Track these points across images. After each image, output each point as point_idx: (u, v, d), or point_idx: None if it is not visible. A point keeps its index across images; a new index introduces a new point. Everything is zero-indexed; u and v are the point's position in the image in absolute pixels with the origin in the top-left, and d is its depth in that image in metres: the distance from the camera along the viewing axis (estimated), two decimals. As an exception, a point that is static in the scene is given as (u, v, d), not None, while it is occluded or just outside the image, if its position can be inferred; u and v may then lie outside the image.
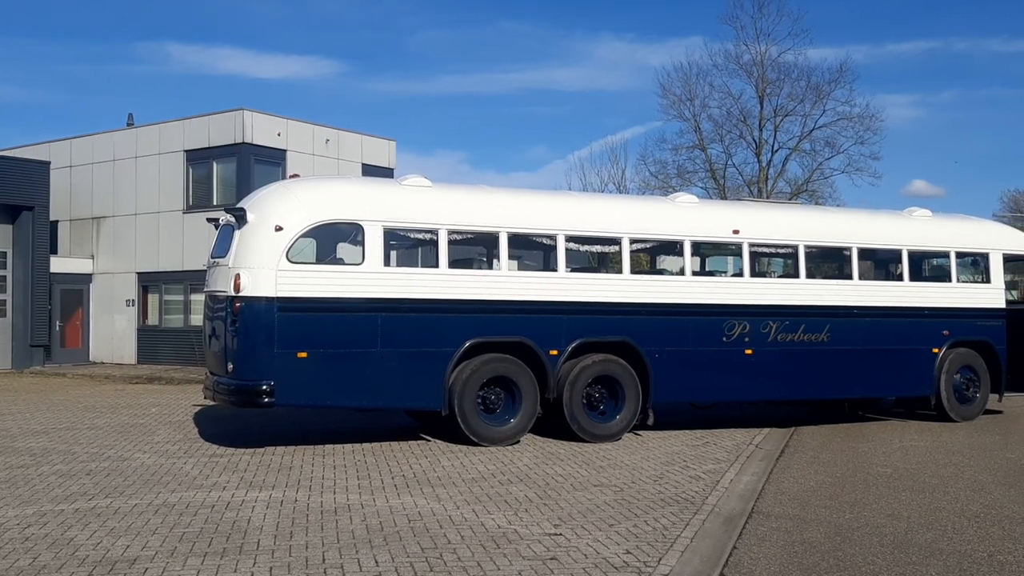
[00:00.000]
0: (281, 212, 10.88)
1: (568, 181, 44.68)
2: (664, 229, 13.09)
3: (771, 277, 14.65)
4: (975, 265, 15.55)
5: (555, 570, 6.42)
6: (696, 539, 7.35)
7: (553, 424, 12.09)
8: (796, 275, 13.64)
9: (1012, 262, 15.46)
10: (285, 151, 25.51)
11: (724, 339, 12.78)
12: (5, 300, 24.57)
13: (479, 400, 11.46)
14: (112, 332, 26.75)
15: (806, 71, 37.56)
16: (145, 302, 26.38)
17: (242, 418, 12.67)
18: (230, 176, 24.79)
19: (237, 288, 10.57)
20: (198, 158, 25.34)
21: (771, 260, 15.32)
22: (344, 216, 11.14)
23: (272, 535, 7.21)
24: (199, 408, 15.12)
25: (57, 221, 27.24)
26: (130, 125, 28.36)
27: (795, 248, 13.57)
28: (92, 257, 27.26)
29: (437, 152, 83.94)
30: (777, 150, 38.41)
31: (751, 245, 13.28)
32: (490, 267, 12.37)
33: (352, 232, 11.14)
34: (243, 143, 24.42)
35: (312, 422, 13.47)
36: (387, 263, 11.41)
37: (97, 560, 6.48)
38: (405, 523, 7.66)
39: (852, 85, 38.61)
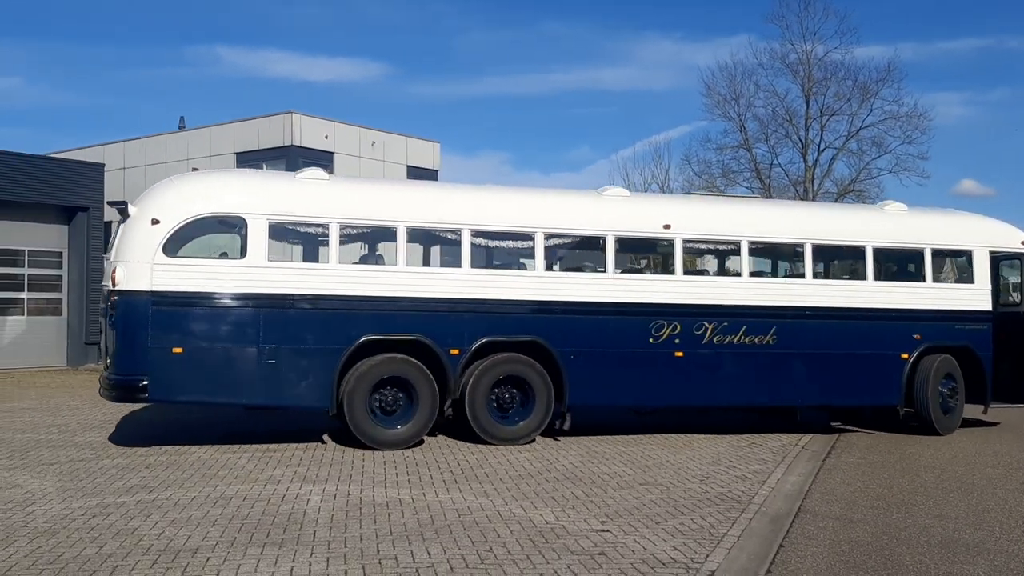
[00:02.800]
0: (159, 205, 10.73)
1: (612, 181, 44.62)
2: (585, 224, 12.27)
3: (709, 275, 13.68)
4: (957, 264, 14.65)
5: (603, 565, 6.54)
6: (743, 537, 7.43)
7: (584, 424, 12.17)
8: (738, 273, 12.83)
9: (1005, 261, 14.15)
10: (332, 153, 25.92)
11: (651, 340, 11.96)
12: (61, 299, 25.17)
13: (376, 400, 11.11)
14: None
15: (853, 70, 37.26)
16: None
17: (288, 417, 12.92)
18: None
19: (114, 282, 10.49)
20: (248, 160, 25.82)
21: (711, 257, 14.53)
22: (226, 210, 10.94)
23: (327, 527, 7.42)
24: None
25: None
26: (181, 128, 28.97)
27: (737, 244, 12.72)
28: (145, 257, 27.83)
29: (481, 153, 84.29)
30: (823, 150, 38.14)
31: (685, 241, 12.43)
32: (392, 263, 11.50)
33: (235, 225, 10.89)
34: (291, 145, 24.89)
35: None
36: (275, 257, 11.13)
37: (161, 549, 6.72)
38: (455, 517, 7.83)
39: (900, 84, 38.19)
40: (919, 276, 13.48)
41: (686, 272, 12.59)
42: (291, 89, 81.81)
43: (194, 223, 10.72)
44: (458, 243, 11.60)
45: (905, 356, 13.00)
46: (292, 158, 24.88)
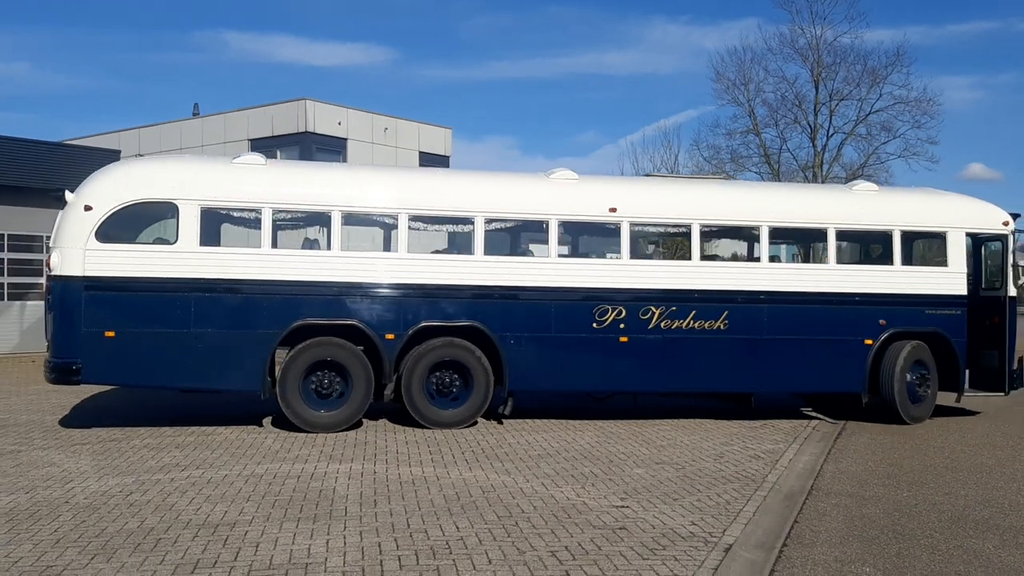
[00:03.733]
0: (93, 193, 10.91)
1: (620, 166, 44.89)
2: (527, 208, 12.16)
3: (659, 259, 13.46)
4: (929, 246, 13.96)
5: (625, 539, 6.81)
6: (758, 513, 7.68)
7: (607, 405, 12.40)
8: (689, 256, 12.42)
9: (988, 242, 13.50)
10: (346, 140, 26.15)
11: (594, 325, 11.82)
12: (79, 284, 25.48)
13: (312, 384, 11.24)
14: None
15: (862, 55, 37.26)
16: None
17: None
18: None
19: (50, 267, 10.78)
20: (262, 147, 26.02)
21: (661, 240, 14.17)
22: (158, 195, 11.04)
23: (357, 503, 7.70)
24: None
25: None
26: (196, 115, 29.20)
27: (688, 227, 12.38)
28: (160, 243, 28.18)
29: (487, 138, 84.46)
30: (832, 135, 38.16)
31: (632, 224, 12.15)
32: (327, 248, 11.57)
33: (167, 211, 11.04)
34: (305, 132, 25.12)
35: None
36: (208, 242, 11.15)
37: (200, 523, 7.01)
38: (479, 494, 8.10)
39: (909, 69, 38.21)
40: (887, 259, 12.97)
41: (634, 256, 12.35)
42: (300, 74, 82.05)
43: (126, 209, 10.90)
44: (395, 228, 11.62)
45: (869, 342, 12.57)
46: (306, 145, 25.13)
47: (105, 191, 10.94)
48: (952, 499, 8.45)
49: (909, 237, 13.18)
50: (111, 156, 26.67)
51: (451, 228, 12.23)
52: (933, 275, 13.03)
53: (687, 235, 12.51)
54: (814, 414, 13.54)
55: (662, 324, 11.99)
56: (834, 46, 37.25)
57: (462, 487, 8.36)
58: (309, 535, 6.73)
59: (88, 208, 10.73)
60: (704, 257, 12.56)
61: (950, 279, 12.92)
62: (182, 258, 10.91)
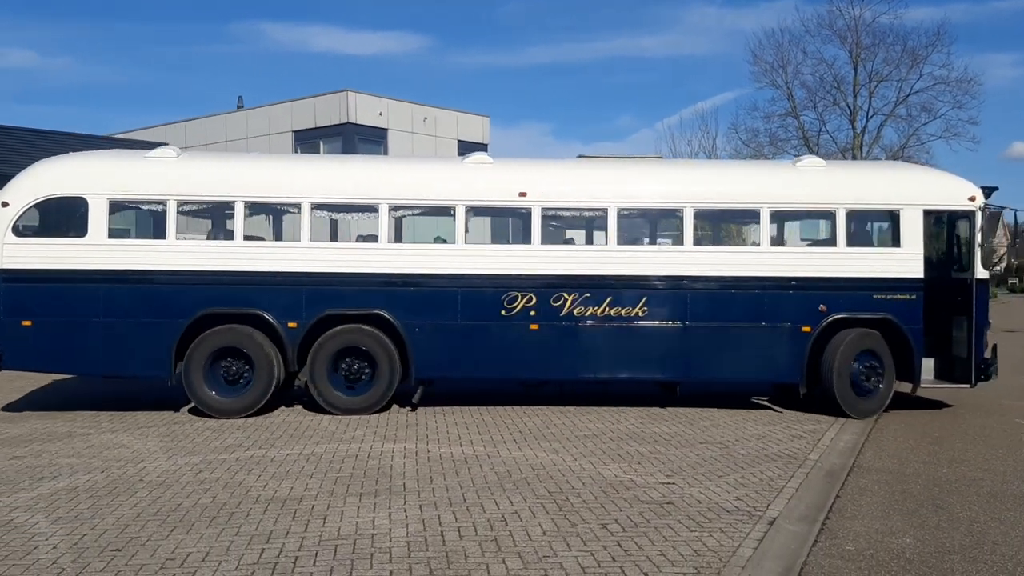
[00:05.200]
0: (12, 189, 11.48)
1: (657, 150, 44.75)
2: (434, 194, 12.02)
3: (573, 244, 13.01)
4: (880, 225, 12.89)
5: (672, 512, 7.11)
6: (801, 489, 7.94)
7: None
8: (606, 241, 11.99)
9: (957, 219, 12.40)
10: (386, 130, 26.56)
11: (503, 312, 11.62)
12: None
13: (220, 370, 11.51)
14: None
15: (902, 35, 37.02)
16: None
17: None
18: (336, 154, 25.92)
19: None
20: (305, 138, 26.57)
21: (577, 225, 13.77)
22: (69, 190, 11.49)
23: (415, 479, 8.08)
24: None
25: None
26: (240, 107, 29.76)
27: (604, 211, 11.92)
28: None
29: (524, 124, 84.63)
30: (872, 116, 37.95)
31: (544, 209, 11.84)
32: (232, 238, 11.76)
33: (79, 206, 11.45)
34: (347, 123, 25.56)
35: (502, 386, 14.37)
36: (117, 235, 11.63)
37: (268, 498, 7.43)
38: (530, 471, 8.45)
39: (950, 48, 37.91)
40: (830, 240, 12.18)
41: (546, 241, 12.02)
42: (338, 64, 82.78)
43: (41, 205, 11.47)
44: (298, 217, 11.75)
45: (807, 329, 11.81)
46: (348, 135, 25.58)
47: (21, 188, 11.50)
48: (991, 475, 8.64)
49: (856, 216, 12.20)
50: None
51: (356, 216, 12.26)
52: (883, 257, 12.05)
53: (603, 219, 12.05)
54: (767, 404, 12.74)
55: (575, 311, 11.71)
56: (873, 27, 37.03)
57: (513, 465, 8.71)
58: (372, 509, 7.12)
59: (5, 204, 11.33)
60: (623, 241, 12.06)
61: (903, 261, 11.90)
62: (91, 250, 11.39)
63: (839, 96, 37.78)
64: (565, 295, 11.70)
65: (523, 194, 11.86)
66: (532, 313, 11.67)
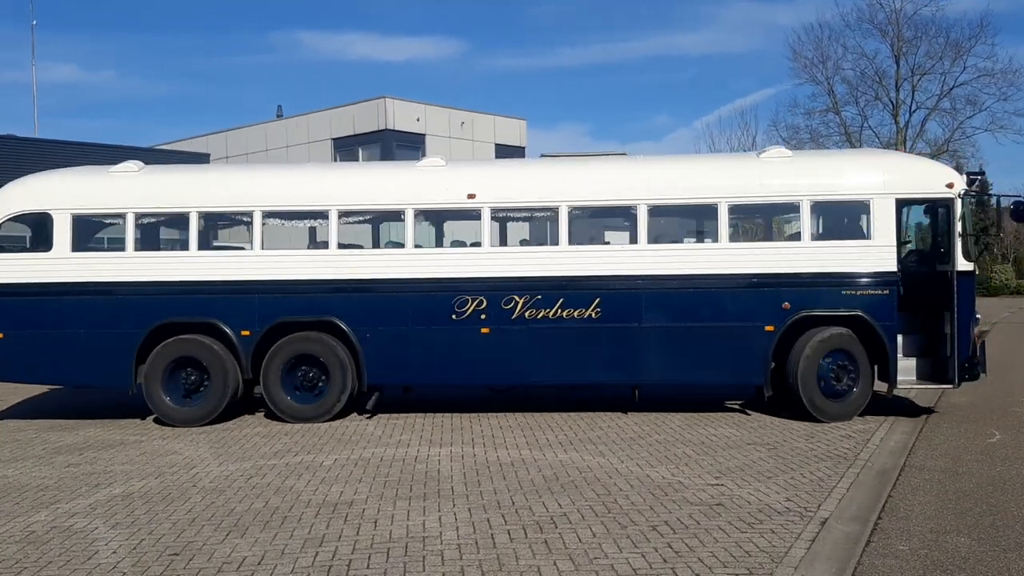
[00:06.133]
0: None
1: (696, 148, 44.56)
2: (383, 199, 11.92)
3: (525, 245, 12.66)
4: (850, 216, 12.10)
5: (722, 514, 7.08)
6: (852, 489, 7.86)
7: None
8: (557, 241, 11.64)
9: (930, 209, 11.77)
10: (424, 135, 26.72)
11: (454, 317, 11.42)
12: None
13: (181, 378, 11.65)
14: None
15: (944, 27, 36.45)
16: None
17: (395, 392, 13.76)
18: (374, 161, 26.10)
19: None
20: (344, 145, 26.83)
21: (527, 226, 13.53)
22: (35, 207, 11.85)
23: (462, 483, 8.13)
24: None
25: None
26: (279, 116, 30.12)
27: (555, 210, 11.59)
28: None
29: (561, 125, 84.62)
30: (915, 110, 37.44)
31: (493, 210, 11.64)
32: (187, 248, 11.85)
33: (45, 221, 11.78)
34: (385, 129, 25.76)
35: (477, 392, 14.43)
36: (80, 248, 11.79)
37: (320, 503, 7.52)
38: (577, 474, 8.46)
39: (994, 40, 37.17)
40: (795, 233, 11.64)
41: (496, 243, 11.99)
42: (374, 70, 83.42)
43: (10, 221, 11.89)
44: (250, 226, 11.79)
45: (770, 328, 11.24)
46: (386, 141, 25.78)
47: None
48: (1048, 474, 8.48)
49: (823, 208, 11.63)
50: (201, 159, 27.80)
51: (307, 223, 12.30)
52: (852, 250, 11.32)
53: (554, 219, 11.70)
54: (740, 408, 12.26)
55: (526, 314, 11.39)
56: (914, 19, 36.52)
57: (559, 468, 8.73)
58: (422, 512, 7.18)
59: None
60: (576, 241, 11.71)
61: (874, 254, 11.20)
62: (56, 263, 11.67)
63: (881, 90, 37.34)
64: (516, 298, 11.41)
65: (472, 196, 11.65)
66: (483, 317, 11.43)
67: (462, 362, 11.55)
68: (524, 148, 31.27)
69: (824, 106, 38.08)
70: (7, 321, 11.65)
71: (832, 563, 5.99)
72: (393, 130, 25.93)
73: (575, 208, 11.63)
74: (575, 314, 11.36)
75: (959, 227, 11.14)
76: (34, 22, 49.19)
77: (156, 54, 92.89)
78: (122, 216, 11.81)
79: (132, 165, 12.39)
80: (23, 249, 12.06)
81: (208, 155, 28.22)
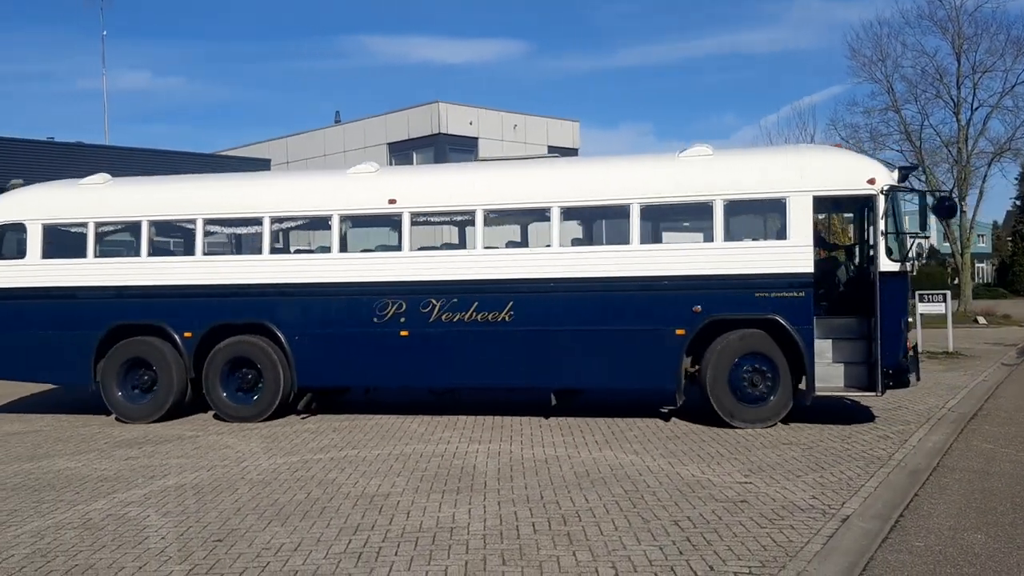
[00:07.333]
0: None
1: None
2: (311, 205, 12.34)
3: (444, 250, 12.67)
4: (766, 216, 11.80)
5: (745, 510, 7.24)
6: (880, 488, 7.94)
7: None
8: (470, 245, 11.86)
9: (851, 207, 11.31)
10: (477, 139, 27.11)
11: (375, 320, 11.62)
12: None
13: (135, 378, 12.38)
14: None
15: (1005, 24, 35.72)
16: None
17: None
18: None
19: None
20: (399, 150, 27.35)
21: (445, 230, 13.59)
22: (11, 218, 12.85)
23: (496, 478, 8.43)
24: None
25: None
26: (337, 122, 30.79)
27: (471, 214, 11.67)
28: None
29: (621, 126, 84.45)
30: (977, 108, 36.53)
31: (413, 215, 11.76)
32: (138, 255, 12.56)
33: (20, 231, 12.77)
34: (439, 134, 26.20)
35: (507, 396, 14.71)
36: (49, 255, 12.63)
37: (358, 495, 7.88)
38: (608, 471, 8.68)
39: (1058, 36, 36.08)
40: (707, 235, 11.24)
41: (416, 247, 11.98)
42: (433, 73, 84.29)
43: None
44: (194, 232, 12.37)
45: (681, 332, 10.97)
46: (440, 145, 26.21)
47: None
48: (1084, 475, 8.45)
49: (736, 207, 11.20)
50: (262, 164, 28.59)
51: (243, 229, 12.73)
52: (765, 251, 10.96)
53: (471, 223, 11.82)
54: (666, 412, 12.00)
55: (443, 317, 11.49)
56: (975, 16, 35.67)
57: (592, 465, 8.96)
58: (453, 504, 7.48)
59: None
60: (491, 245, 11.83)
61: (789, 255, 10.74)
62: (28, 270, 12.64)
63: (942, 88, 36.53)
64: (433, 301, 11.52)
65: (392, 201, 11.87)
66: (402, 320, 11.60)
67: (384, 365, 11.79)
68: (577, 150, 31.47)
69: (883, 105, 37.45)
70: None
71: (846, 557, 6.12)
72: (446, 134, 26.37)
73: (490, 211, 11.72)
74: (489, 317, 11.41)
75: (882, 225, 10.61)
76: (104, 32, 51.08)
77: (224, 60, 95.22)
78: (85, 225, 12.61)
79: (99, 178, 13.32)
80: (3, 256, 13.00)
81: (268, 161, 29.02)
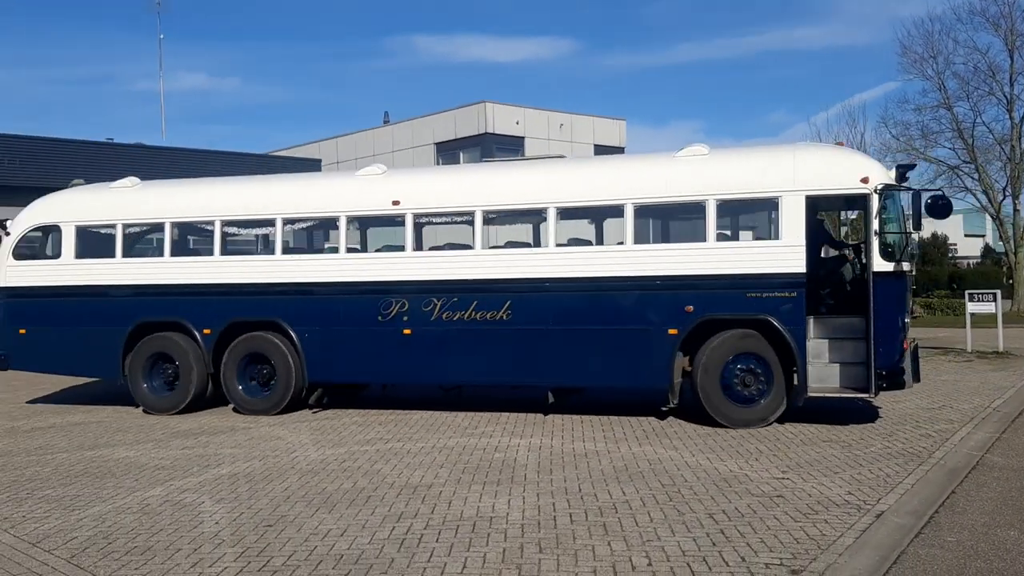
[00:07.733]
0: (15, 221, 13.71)
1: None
2: (319, 207, 12.76)
3: (446, 250, 12.56)
4: (759, 215, 11.75)
5: (780, 505, 7.36)
6: (917, 485, 7.99)
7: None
8: (470, 245, 11.98)
9: (845, 206, 11.28)
10: (523, 138, 27.33)
11: (380, 318, 11.95)
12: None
13: (160, 372, 13.01)
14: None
15: (1060, 20, 34.75)
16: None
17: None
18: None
19: None
20: (446, 149, 27.68)
21: (449, 230, 13.55)
22: (49, 220, 13.60)
23: (535, 471, 8.64)
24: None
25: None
26: (386, 122, 31.24)
27: (471, 215, 11.85)
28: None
29: (671, 123, 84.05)
30: (1030, 105, 35.84)
31: (416, 216, 12.10)
32: (161, 255, 13.17)
33: (56, 232, 13.49)
34: (485, 133, 26.47)
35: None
36: (82, 255, 13.29)
37: (402, 485, 8.16)
38: (646, 465, 8.84)
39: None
40: (700, 235, 11.19)
41: (419, 248, 12.42)
42: (482, 73, 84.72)
43: (31, 233, 13.71)
44: (212, 233, 12.90)
45: (673, 332, 11.01)
46: (487, 145, 26.48)
47: (19, 220, 13.76)
48: None
49: (729, 207, 11.40)
50: (313, 165, 29.11)
51: (257, 231, 13.28)
52: (758, 251, 11.03)
53: (471, 223, 11.97)
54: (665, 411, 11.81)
55: (443, 316, 11.74)
56: (1028, 12, 34.96)
57: (631, 459, 9.13)
58: (493, 495, 7.71)
59: (7, 233, 13.72)
60: (491, 245, 12.16)
61: (781, 255, 10.70)
62: (63, 269, 13.32)
63: (994, 85, 35.89)
64: (434, 300, 11.79)
65: (396, 202, 12.21)
66: (405, 319, 11.91)
67: (387, 362, 12.12)
68: (623, 148, 31.56)
69: (935, 102, 36.89)
70: (27, 319, 13.41)
71: (877, 551, 6.22)
72: (493, 134, 26.63)
73: (490, 212, 11.95)
74: (488, 316, 11.62)
75: (876, 224, 10.51)
76: (161, 36, 52.15)
77: (279, 61, 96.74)
78: (113, 226, 13.24)
79: (128, 181, 13.89)
80: (40, 256, 13.69)
81: (319, 161, 29.54)
